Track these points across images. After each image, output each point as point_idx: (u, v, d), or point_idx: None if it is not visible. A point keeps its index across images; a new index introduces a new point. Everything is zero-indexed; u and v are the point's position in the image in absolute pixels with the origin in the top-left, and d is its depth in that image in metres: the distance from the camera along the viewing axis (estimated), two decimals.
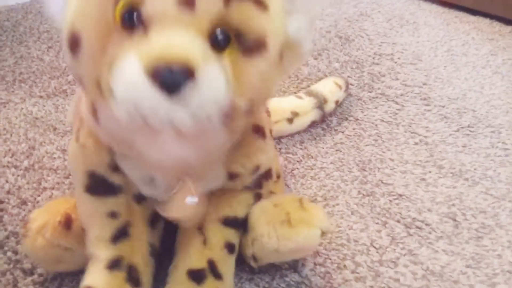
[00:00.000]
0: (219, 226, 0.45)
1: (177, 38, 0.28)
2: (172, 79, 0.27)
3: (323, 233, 0.43)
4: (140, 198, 0.44)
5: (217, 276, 0.44)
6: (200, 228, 0.45)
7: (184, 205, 0.39)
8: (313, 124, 0.69)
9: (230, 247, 0.45)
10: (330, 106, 0.70)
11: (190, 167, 0.37)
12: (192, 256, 0.44)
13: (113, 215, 0.42)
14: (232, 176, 0.42)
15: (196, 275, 0.43)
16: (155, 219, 0.46)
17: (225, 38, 0.30)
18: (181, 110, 0.28)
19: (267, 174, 0.47)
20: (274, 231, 0.43)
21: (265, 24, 0.31)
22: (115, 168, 0.41)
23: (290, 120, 0.66)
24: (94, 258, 0.42)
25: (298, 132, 0.68)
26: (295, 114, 0.66)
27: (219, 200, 0.45)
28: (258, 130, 0.43)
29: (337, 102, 0.72)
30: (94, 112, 0.35)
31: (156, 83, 0.27)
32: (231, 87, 0.30)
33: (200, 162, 0.35)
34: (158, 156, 0.32)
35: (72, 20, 0.30)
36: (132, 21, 0.29)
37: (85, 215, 0.43)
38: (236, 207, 0.46)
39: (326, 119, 0.71)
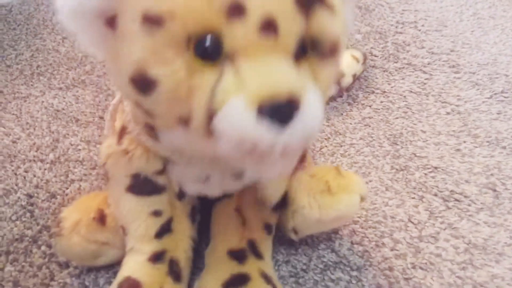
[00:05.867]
0: (258, 207, 0.45)
1: (273, 70, 0.28)
2: (281, 114, 0.27)
3: (362, 199, 0.43)
4: (181, 196, 0.44)
5: (258, 255, 0.43)
6: (238, 209, 0.45)
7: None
8: (330, 99, 0.67)
9: (268, 228, 0.45)
10: (347, 80, 0.67)
11: None
12: (231, 237, 0.44)
13: (157, 213, 0.42)
14: None
15: (237, 255, 0.43)
16: (193, 213, 0.46)
17: (303, 49, 0.30)
18: (292, 139, 0.28)
19: (303, 158, 0.46)
20: (315, 201, 0.42)
21: (337, 26, 0.30)
22: (161, 172, 0.41)
23: None
24: (134, 251, 0.42)
25: None
26: None
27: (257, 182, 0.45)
28: None
29: (354, 75, 0.69)
30: (150, 130, 0.36)
31: (267, 121, 0.27)
32: None
33: None
34: (264, 175, 0.33)
35: (141, 65, 0.28)
36: (210, 53, 0.28)
37: (125, 214, 0.42)
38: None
39: (343, 94, 0.69)
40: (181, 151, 0.37)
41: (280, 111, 0.27)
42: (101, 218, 0.43)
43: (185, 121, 0.30)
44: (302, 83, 0.28)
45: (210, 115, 0.28)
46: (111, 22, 0.30)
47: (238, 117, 0.27)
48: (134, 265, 0.41)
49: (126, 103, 0.40)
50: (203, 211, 0.48)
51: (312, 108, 0.28)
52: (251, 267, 0.42)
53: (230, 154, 0.29)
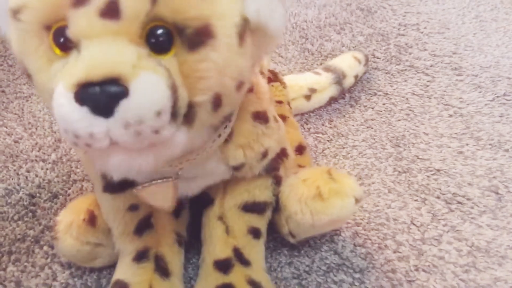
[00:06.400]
0: (239, 213, 0.44)
1: (102, 52, 0.26)
2: (101, 98, 0.25)
3: (357, 201, 0.41)
4: None
5: (245, 262, 0.43)
6: (221, 217, 0.44)
7: (166, 196, 0.38)
8: (332, 100, 0.67)
9: (254, 232, 0.44)
10: (349, 81, 0.67)
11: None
12: (216, 246, 0.43)
13: (133, 208, 0.42)
14: (236, 168, 0.41)
15: (222, 265, 0.43)
16: (178, 208, 0.46)
17: (167, 39, 0.27)
18: (117, 127, 0.26)
19: (282, 155, 0.45)
20: (307, 207, 0.41)
21: (205, 9, 0.27)
22: None
23: (307, 97, 0.64)
24: (122, 252, 0.43)
25: (318, 108, 0.66)
26: (313, 91, 0.64)
27: (235, 187, 0.44)
28: (259, 116, 0.41)
29: (356, 77, 0.69)
30: None
31: (85, 105, 0.25)
32: (180, 87, 0.28)
33: (168, 164, 0.34)
34: (115, 172, 0.30)
35: (20, 58, 0.30)
36: (63, 42, 0.27)
37: (107, 213, 0.43)
38: (254, 191, 0.44)
39: (345, 95, 0.69)
40: None
41: (100, 94, 0.25)
42: (91, 220, 0.43)
43: None
44: (136, 64, 0.26)
45: None
46: None
47: (59, 104, 0.26)
48: (122, 267, 0.42)
49: None
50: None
51: (145, 91, 0.26)
52: (237, 275, 0.42)
53: (73, 146, 0.28)
